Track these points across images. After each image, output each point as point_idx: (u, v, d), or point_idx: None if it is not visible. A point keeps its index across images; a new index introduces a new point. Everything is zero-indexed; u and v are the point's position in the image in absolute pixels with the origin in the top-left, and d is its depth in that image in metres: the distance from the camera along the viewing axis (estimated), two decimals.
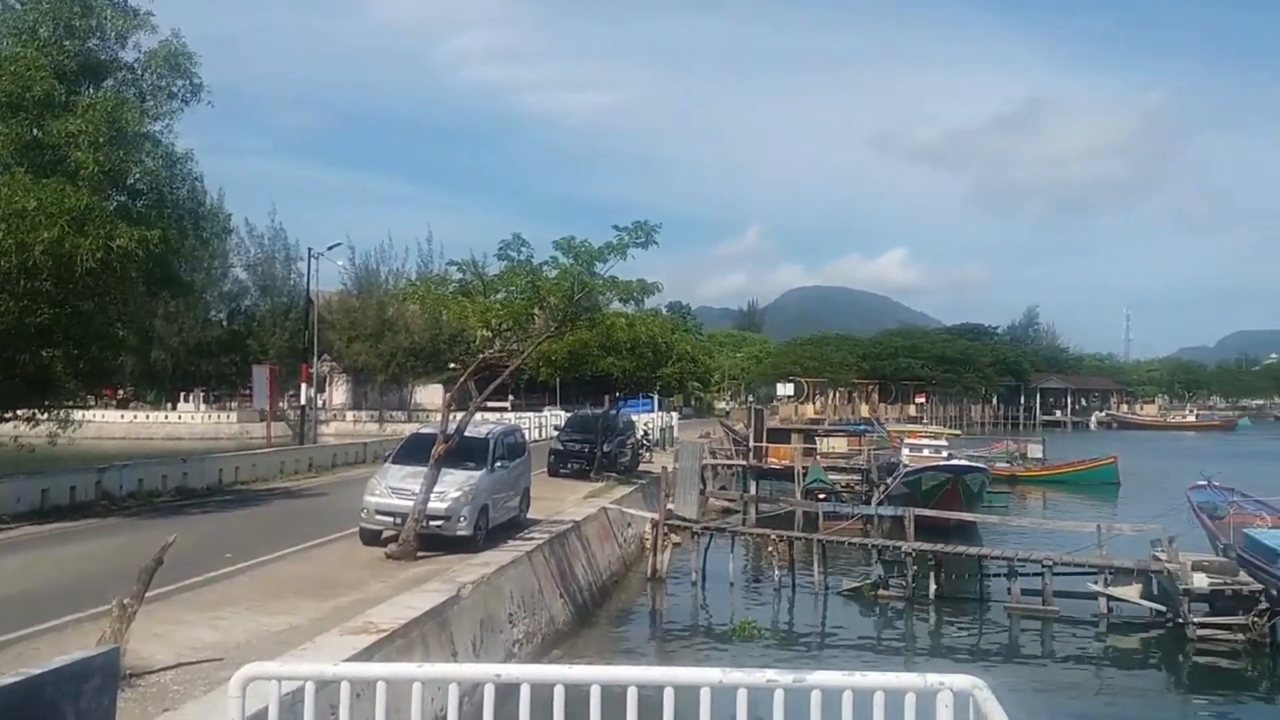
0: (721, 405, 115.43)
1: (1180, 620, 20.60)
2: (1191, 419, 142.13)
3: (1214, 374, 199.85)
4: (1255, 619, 19.89)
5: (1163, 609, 21.68)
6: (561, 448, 33.78)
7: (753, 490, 41.27)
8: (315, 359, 56.50)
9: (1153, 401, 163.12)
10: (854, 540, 26.81)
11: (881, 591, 24.26)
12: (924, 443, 43.39)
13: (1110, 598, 22.32)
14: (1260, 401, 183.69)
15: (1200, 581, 20.49)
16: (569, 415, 44.28)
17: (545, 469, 31.72)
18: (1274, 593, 20.17)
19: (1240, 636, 19.92)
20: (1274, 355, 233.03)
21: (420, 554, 17.14)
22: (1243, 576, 20.91)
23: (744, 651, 18.95)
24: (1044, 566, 22.96)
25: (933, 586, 24.13)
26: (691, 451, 28.55)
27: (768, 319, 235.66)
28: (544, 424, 56.31)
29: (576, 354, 28.95)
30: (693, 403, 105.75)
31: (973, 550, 25.69)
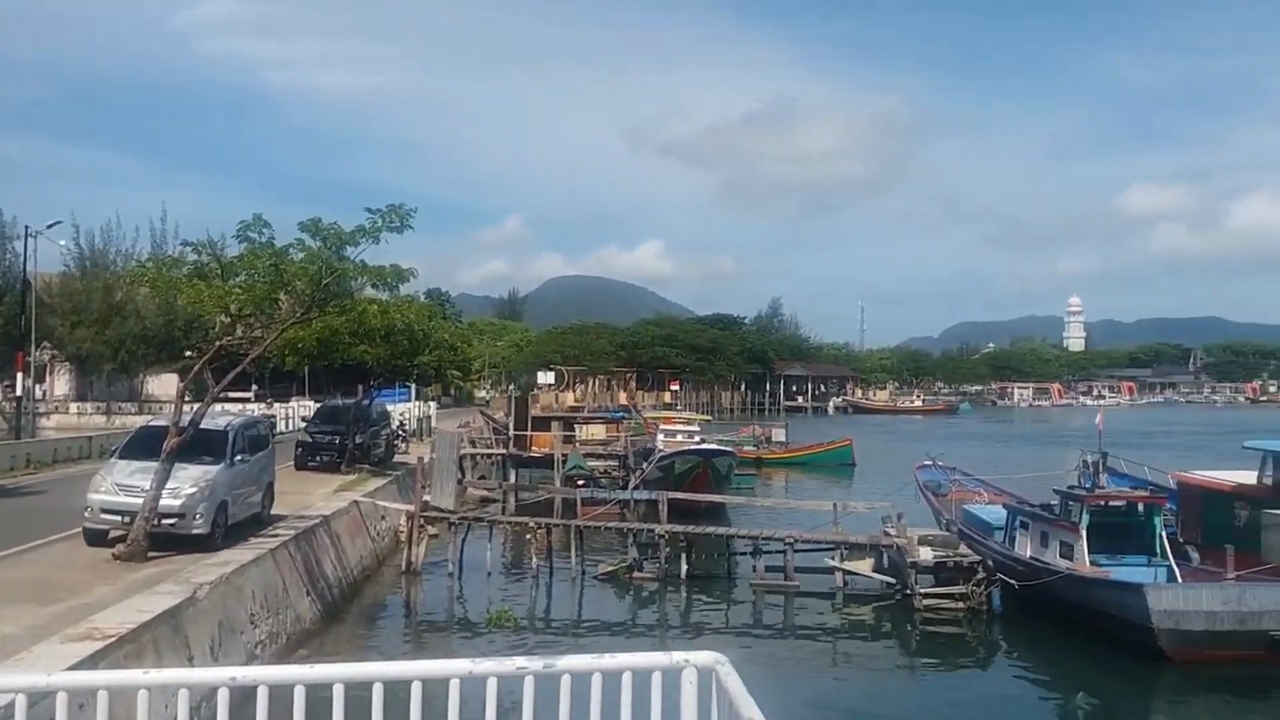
0: (482, 394, 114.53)
1: (908, 591, 22.16)
2: (919, 404, 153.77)
3: (939, 362, 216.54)
4: (974, 588, 21.66)
5: (893, 581, 23.24)
6: (310, 439, 32.48)
7: (513, 479, 41.18)
8: (33, 346, 51.75)
9: (884, 388, 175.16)
10: (610, 525, 27.21)
11: (636, 574, 24.78)
12: (677, 428, 44.65)
13: (845, 572, 23.73)
14: (979, 387, 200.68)
15: (925, 554, 22.11)
16: (319, 405, 42.60)
17: (293, 462, 30.45)
18: (990, 563, 22.04)
19: (961, 605, 21.64)
20: (991, 345, 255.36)
21: (152, 554, 16.00)
22: (963, 549, 22.74)
23: (501, 641, 18.87)
24: (786, 544, 24.15)
25: (684, 567, 24.89)
26: (449, 441, 28.08)
27: (529, 307, 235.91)
28: (292, 415, 53.94)
29: (326, 342, 27.86)
30: (452, 392, 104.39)
31: (721, 530, 26.68)
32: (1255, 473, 22.42)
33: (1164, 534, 20.96)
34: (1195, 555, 21.93)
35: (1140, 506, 21.25)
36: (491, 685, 4.69)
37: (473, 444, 46.76)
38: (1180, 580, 19.51)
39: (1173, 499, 24.22)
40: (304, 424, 40.86)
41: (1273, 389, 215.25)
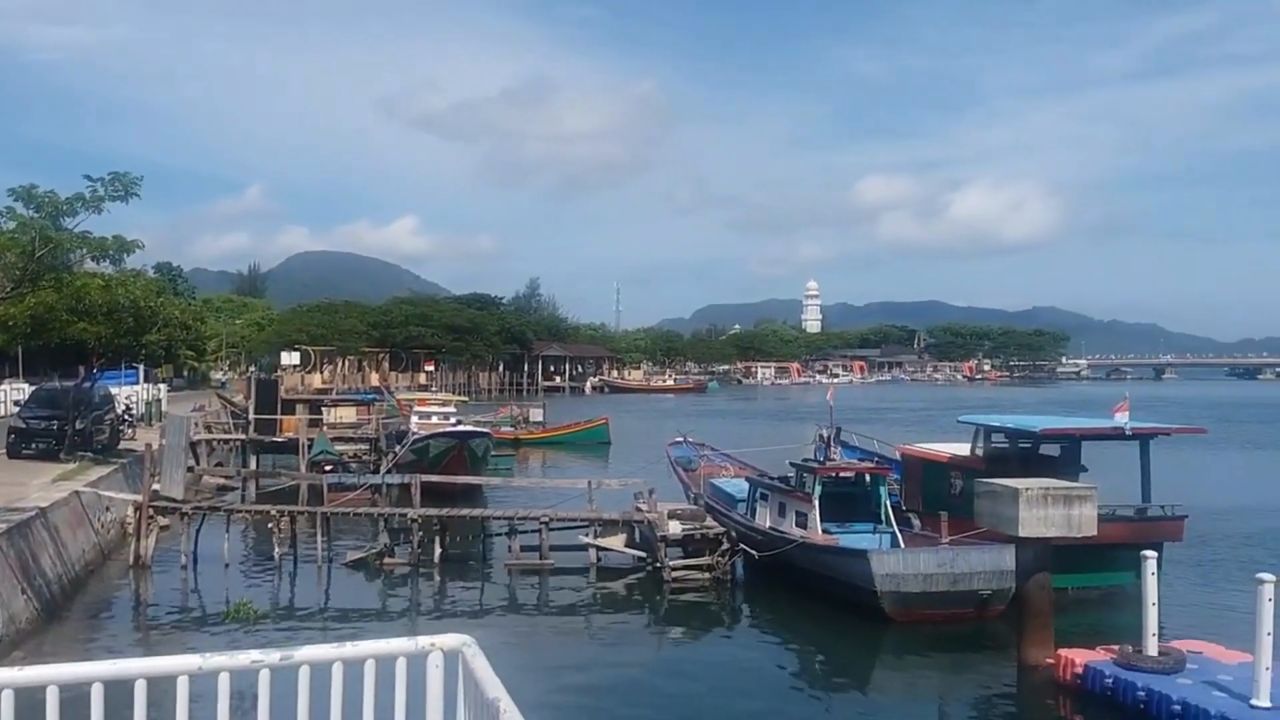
0: (219, 376, 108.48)
1: (658, 564, 22.85)
2: (671, 383, 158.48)
3: (689, 343, 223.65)
4: (719, 559, 22.59)
5: (644, 555, 23.89)
6: (24, 426, 29.75)
7: (253, 465, 39.30)
8: None
9: (639, 367, 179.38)
10: (360, 511, 26.50)
11: (388, 560, 24.26)
12: (433, 410, 43.93)
13: (599, 548, 24.16)
14: (726, 367, 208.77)
15: (674, 528, 22.85)
16: (34, 388, 39.04)
17: (4, 450, 27.84)
18: (733, 534, 23.03)
19: (707, 575, 22.52)
20: (737, 326, 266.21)
21: None
22: (709, 522, 23.64)
23: (240, 635, 18.01)
24: (541, 524, 24.32)
25: (438, 550, 24.59)
26: (178, 426, 26.37)
27: (272, 284, 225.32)
28: (3, 399, 49.17)
29: (41, 319, 25.68)
30: (186, 373, 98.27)
31: (476, 512, 26.54)
32: (969, 445, 24.49)
33: (888, 503, 22.58)
34: (916, 522, 23.77)
35: (867, 477, 22.77)
36: (224, 681, 4.47)
37: (208, 429, 44.25)
38: (902, 546, 21.10)
39: (897, 470, 26.12)
40: (17, 409, 37.41)
41: (986, 367, 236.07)
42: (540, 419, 62.68)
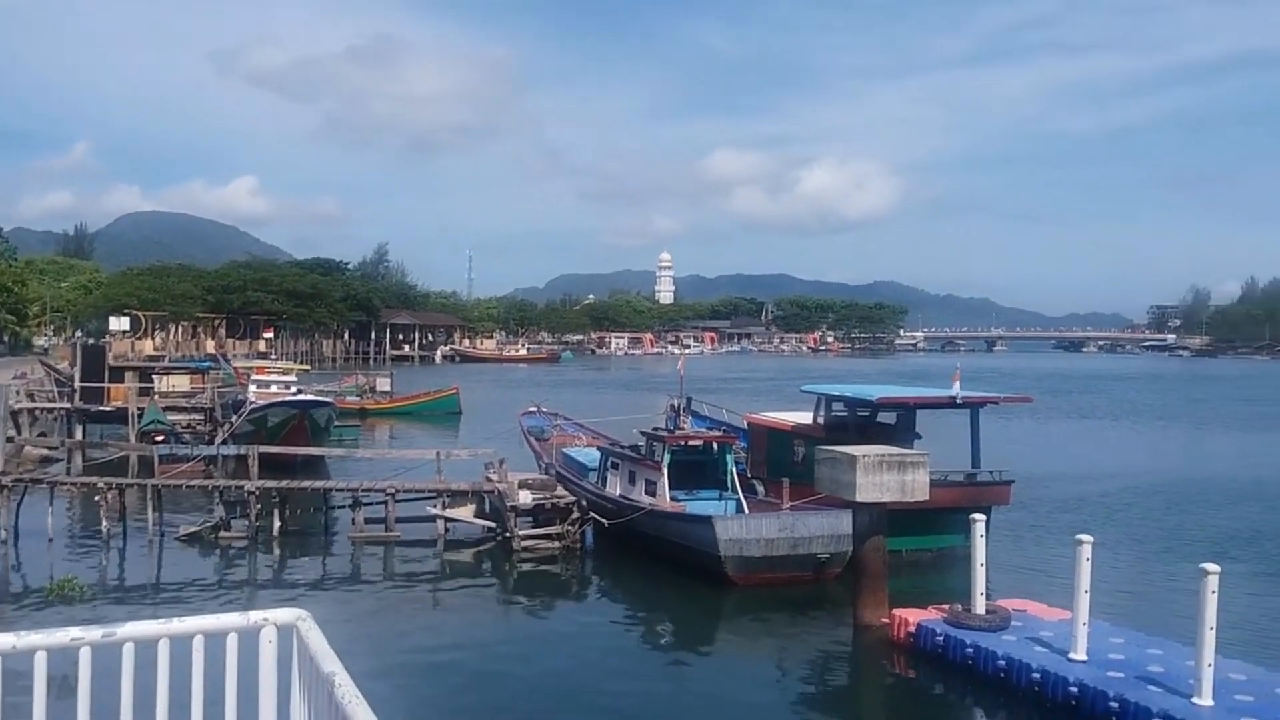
0: (42, 342, 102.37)
1: (508, 534, 22.75)
2: (524, 353, 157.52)
3: (543, 312, 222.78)
4: (569, 527, 22.65)
5: (494, 525, 23.75)
6: None
7: (79, 436, 37.29)
8: None
9: (491, 337, 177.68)
10: (194, 483, 25.50)
11: (224, 533, 23.43)
12: (272, 379, 42.56)
13: (447, 519, 23.89)
14: (580, 337, 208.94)
15: (525, 498, 22.78)
16: None
17: None
18: (584, 503, 23.12)
19: (557, 544, 22.56)
20: (591, 296, 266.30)
21: None
22: (560, 490, 23.66)
23: (66, 613, 17.10)
24: (387, 495, 23.88)
25: (277, 523, 23.88)
26: None
27: (100, 245, 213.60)
28: None
29: None
30: (5, 339, 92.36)
31: (318, 484, 25.85)
32: (811, 413, 25.20)
33: (734, 470, 23.07)
34: (761, 489, 24.38)
35: (715, 446, 23.18)
36: (40, 660, 4.20)
37: (30, 397, 41.76)
38: (746, 512, 21.60)
39: (744, 438, 26.69)
40: None
41: (830, 339, 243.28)
42: (388, 388, 61.49)
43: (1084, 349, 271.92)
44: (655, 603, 19.89)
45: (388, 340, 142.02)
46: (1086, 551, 13.95)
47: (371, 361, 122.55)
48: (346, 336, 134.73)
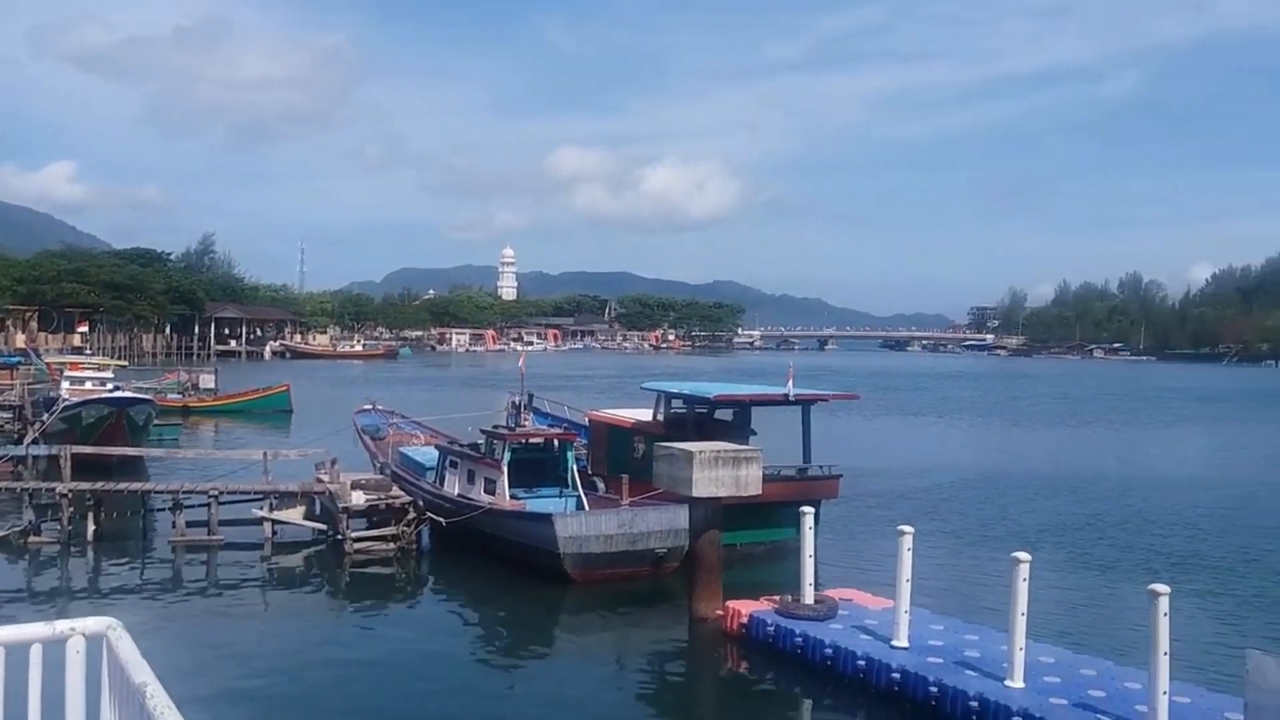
0: None
1: (340, 537, 22.15)
2: (359, 349, 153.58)
3: (380, 307, 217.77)
4: (404, 528, 22.21)
5: (324, 527, 23.08)
6: None
7: None
8: None
9: (325, 332, 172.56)
10: (1, 485, 23.89)
11: (33, 538, 22.03)
12: (87, 375, 40.18)
13: (275, 521, 23.09)
14: (419, 333, 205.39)
15: (358, 499, 22.21)
16: None
17: None
18: (420, 503, 22.73)
19: (392, 546, 22.09)
20: (432, 291, 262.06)
21: None
22: (396, 491, 23.18)
23: None
24: (210, 496, 22.91)
25: (91, 528, 22.59)
26: None
27: None
28: None
29: None
30: None
31: (136, 486, 24.55)
32: (651, 411, 25.48)
33: (575, 467, 23.10)
34: (601, 485, 24.50)
35: (556, 443, 23.16)
36: None
37: None
38: (588, 509, 21.67)
39: (585, 435, 26.78)
40: None
41: (671, 337, 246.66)
42: (212, 385, 59.02)
43: (909, 348, 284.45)
44: (494, 603, 19.72)
45: (212, 335, 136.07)
46: (908, 542, 14.56)
47: (195, 357, 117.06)
48: (168, 331, 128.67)
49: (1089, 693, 12.57)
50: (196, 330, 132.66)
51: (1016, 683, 12.76)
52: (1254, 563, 22.97)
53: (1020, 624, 12.87)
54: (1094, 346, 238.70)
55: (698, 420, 24.00)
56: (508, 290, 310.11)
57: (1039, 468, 39.57)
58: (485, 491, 22.42)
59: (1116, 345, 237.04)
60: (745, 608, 16.36)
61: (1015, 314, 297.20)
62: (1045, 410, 73.39)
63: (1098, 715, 11.85)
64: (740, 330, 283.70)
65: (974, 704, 12.54)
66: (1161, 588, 11.47)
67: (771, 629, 15.57)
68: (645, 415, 25.57)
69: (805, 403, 24.89)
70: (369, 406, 34.44)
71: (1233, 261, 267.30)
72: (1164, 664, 11.27)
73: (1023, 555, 13.10)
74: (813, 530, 16.44)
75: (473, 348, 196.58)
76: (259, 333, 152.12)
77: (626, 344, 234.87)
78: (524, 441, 22.67)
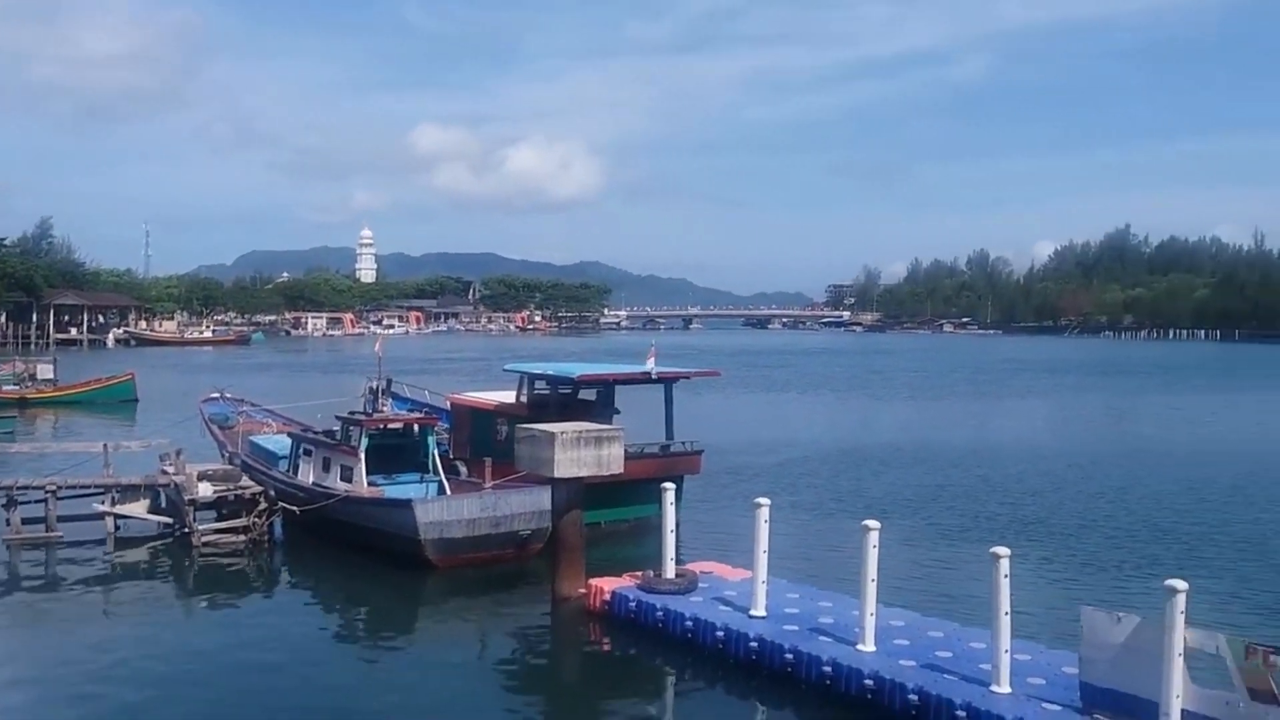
0: None
1: (187, 530, 21.27)
2: (209, 334, 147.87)
3: (231, 291, 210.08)
4: (256, 519, 21.46)
5: (170, 521, 22.13)
6: None
7: None
8: None
9: (172, 318, 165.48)
10: None
11: None
12: None
13: (117, 516, 22.02)
14: (273, 317, 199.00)
15: (205, 490, 21.35)
16: None
17: None
18: (272, 493, 21.99)
19: (242, 537, 21.33)
20: (285, 274, 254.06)
21: None
22: (246, 481, 22.36)
23: None
24: (47, 492, 21.70)
25: None
26: None
27: None
28: None
29: None
30: None
31: None
32: (514, 393, 25.24)
33: (436, 452, 22.72)
34: (464, 470, 24.17)
35: (416, 428, 22.72)
36: None
37: None
38: (450, 494, 21.35)
39: (447, 419, 26.35)
40: None
41: (538, 319, 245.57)
42: (51, 375, 56.09)
43: (770, 326, 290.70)
44: (353, 593, 19.24)
45: (51, 323, 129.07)
46: (764, 514, 14.82)
47: (33, 346, 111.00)
48: (3, 319, 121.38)
49: (937, 654, 13.03)
50: (34, 318, 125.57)
51: (868, 647, 13.14)
52: (1089, 526, 24.24)
53: (871, 590, 13.25)
54: (944, 321, 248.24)
55: (561, 401, 23.87)
56: (367, 273, 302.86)
57: (893, 439, 40.89)
58: (342, 479, 21.85)
59: (965, 320, 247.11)
60: (608, 585, 16.39)
61: (870, 291, 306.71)
62: (900, 383, 75.93)
63: (944, 675, 12.29)
64: (607, 311, 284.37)
65: (827, 669, 12.87)
66: (1002, 550, 11.98)
67: (633, 605, 15.64)
68: (509, 398, 25.32)
69: (667, 381, 25.06)
70: (216, 395, 33.09)
71: (1074, 238, 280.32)
72: (1005, 624, 11.77)
73: (872, 523, 13.48)
74: (674, 506, 16.58)
75: (330, 332, 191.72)
76: (101, 320, 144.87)
77: (492, 326, 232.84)
78: (382, 427, 22.17)
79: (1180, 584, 10.47)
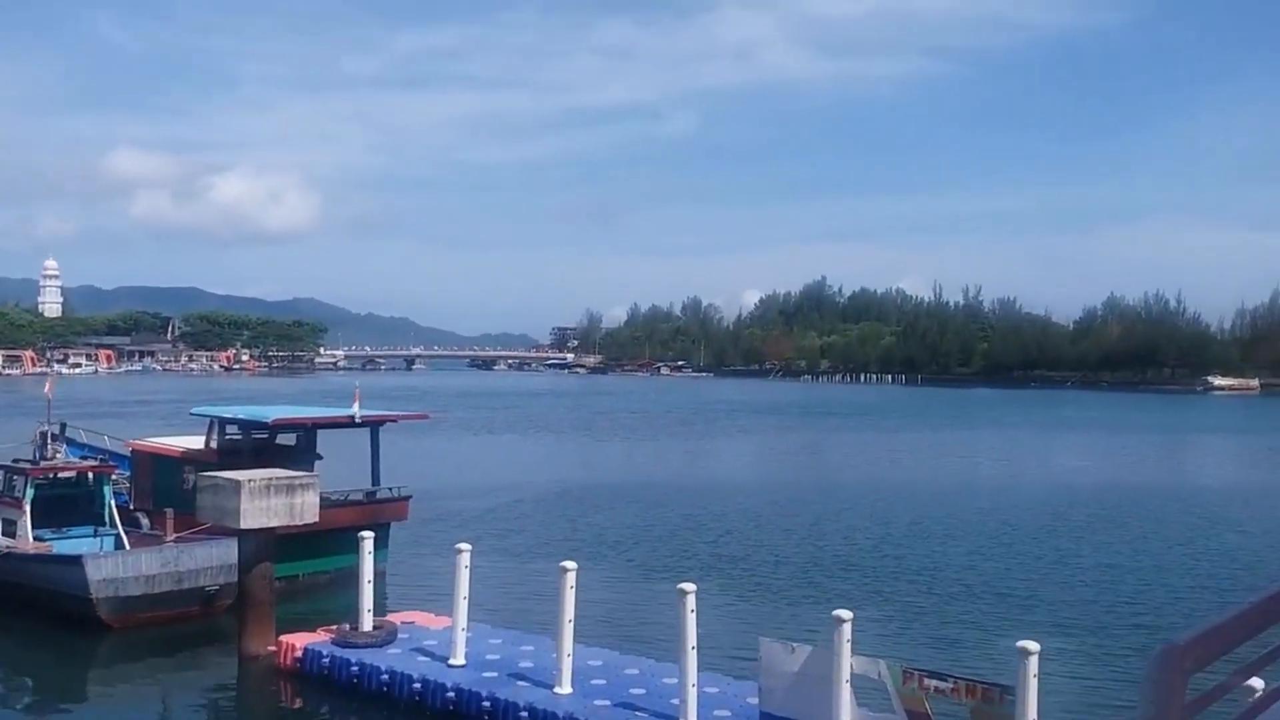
0: None
1: None
2: None
3: None
4: None
5: None
6: None
7: None
8: None
9: None
10: None
11: None
12: None
13: None
14: None
15: None
16: None
17: None
18: None
19: None
20: None
21: None
22: None
23: None
24: None
25: None
26: None
27: None
28: None
29: None
30: None
31: None
32: (204, 438, 23.74)
33: (114, 503, 21.03)
34: (146, 521, 22.44)
35: (90, 477, 20.99)
36: None
37: None
38: (128, 547, 19.74)
39: (127, 466, 24.41)
40: None
41: (245, 357, 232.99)
42: None
43: (495, 367, 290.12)
44: (14, 660, 17.41)
45: None
46: (465, 559, 14.69)
47: None
48: None
49: (631, 691, 13.33)
50: None
51: (564, 689, 13.25)
52: (782, 560, 25.66)
53: (569, 631, 13.39)
54: (661, 364, 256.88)
55: (256, 447, 22.67)
56: (51, 306, 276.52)
57: (608, 480, 41.73)
58: (4, 534, 19.78)
59: (680, 363, 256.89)
60: (300, 641, 15.66)
61: (593, 334, 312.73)
62: (620, 424, 77.76)
63: (636, 713, 12.58)
64: (323, 350, 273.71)
65: (524, 714, 12.88)
66: (688, 586, 12.46)
67: (327, 660, 15.03)
68: (198, 443, 23.79)
69: (374, 424, 24.39)
70: None
71: (776, 287, 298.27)
72: (693, 658, 12.22)
73: (569, 564, 13.66)
74: (372, 555, 16.10)
75: (8, 371, 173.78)
76: None
77: (193, 365, 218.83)
78: (50, 476, 20.31)
79: (845, 613, 11.26)
